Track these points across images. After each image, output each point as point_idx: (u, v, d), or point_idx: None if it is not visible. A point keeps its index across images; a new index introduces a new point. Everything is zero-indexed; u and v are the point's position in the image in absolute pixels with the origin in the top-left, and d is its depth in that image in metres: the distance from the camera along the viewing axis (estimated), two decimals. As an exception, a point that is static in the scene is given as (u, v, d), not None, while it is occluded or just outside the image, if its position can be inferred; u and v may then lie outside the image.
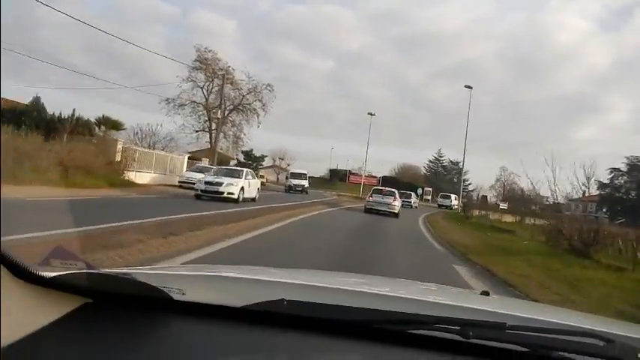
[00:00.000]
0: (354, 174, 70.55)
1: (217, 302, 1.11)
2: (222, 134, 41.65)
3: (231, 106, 41.79)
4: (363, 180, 59.58)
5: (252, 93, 41.67)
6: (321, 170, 74.60)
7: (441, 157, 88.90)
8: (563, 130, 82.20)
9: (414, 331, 1.05)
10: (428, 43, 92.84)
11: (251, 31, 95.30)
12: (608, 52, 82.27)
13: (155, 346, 0.99)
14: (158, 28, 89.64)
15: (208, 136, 41.05)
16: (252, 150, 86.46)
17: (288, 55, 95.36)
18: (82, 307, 1.02)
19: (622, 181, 61.34)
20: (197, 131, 40.77)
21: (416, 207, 42.72)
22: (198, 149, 42.46)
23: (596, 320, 1.64)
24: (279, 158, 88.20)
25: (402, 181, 69.37)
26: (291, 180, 42.06)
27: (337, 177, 73.30)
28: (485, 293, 1.71)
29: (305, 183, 40.87)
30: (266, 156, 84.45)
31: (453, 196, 51.90)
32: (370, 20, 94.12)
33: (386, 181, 69.26)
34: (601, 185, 58.15)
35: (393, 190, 26.01)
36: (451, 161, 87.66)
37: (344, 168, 75.82)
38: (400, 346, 1.03)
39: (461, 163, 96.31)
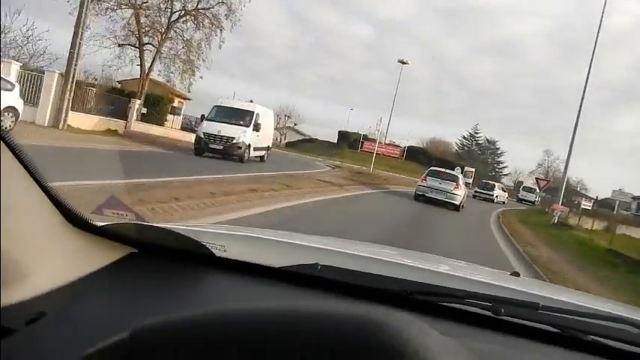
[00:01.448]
0: (370, 139, 54.33)
1: (256, 261, 1.14)
2: (166, 56, 26.83)
3: (181, 11, 26.43)
4: (377, 148, 43.35)
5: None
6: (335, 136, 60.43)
7: (476, 133, 79.29)
8: (602, 120, 78.17)
9: (445, 304, 1.06)
10: (472, 17, 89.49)
11: None
12: None
13: (196, 297, 1.02)
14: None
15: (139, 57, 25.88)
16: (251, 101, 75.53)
17: (325, 18, 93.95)
18: (128, 256, 1.05)
19: None
20: (120, 45, 25.57)
21: (503, 202, 33.45)
22: (131, 78, 27.71)
23: (631, 309, 1.57)
24: (285, 116, 74.18)
25: (432, 156, 53.88)
26: (206, 125, 18.32)
27: (347, 142, 56.40)
28: (516, 274, 1.78)
29: (244, 135, 17.79)
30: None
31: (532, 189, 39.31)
32: None
33: (412, 152, 54.28)
34: None
35: (456, 173, 19.45)
36: (488, 140, 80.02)
37: (360, 132, 59.01)
38: (430, 316, 1.03)
39: (498, 142, 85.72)
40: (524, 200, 38.63)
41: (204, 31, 27.04)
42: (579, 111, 17.35)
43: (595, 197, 70.90)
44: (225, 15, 26.53)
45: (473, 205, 23.15)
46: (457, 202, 16.89)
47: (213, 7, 26.78)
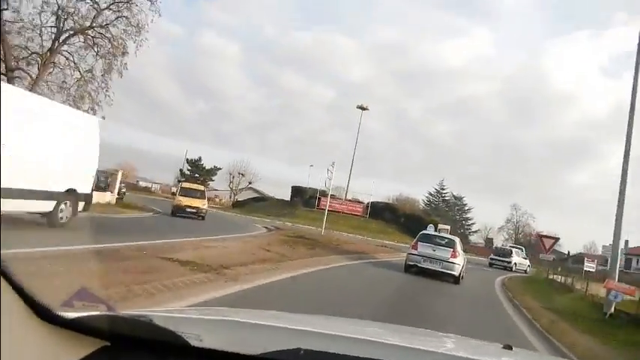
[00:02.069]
0: (330, 196, 47.89)
1: (234, 349, 1.10)
2: (50, 88, 20.19)
3: (69, 30, 20.10)
4: (336, 205, 36.81)
5: (117, 5, 20.14)
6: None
7: (442, 189, 76.77)
8: (557, 175, 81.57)
9: None
10: (428, 79, 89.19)
11: (255, 55, 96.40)
12: (606, 99, 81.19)
13: None
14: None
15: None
16: (200, 159, 69.70)
17: (291, 82, 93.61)
18: (100, 351, 1.01)
19: None
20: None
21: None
22: None
23: None
24: (239, 173, 68.07)
25: (400, 212, 47.88)
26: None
27: (302, 199, 49.46)
28: (508, 347, 1.68)
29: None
30: (219, 169, 66.11)
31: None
32: (373, 52, 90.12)
33: (377, 209, 48.15)
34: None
35: (452, 237, 16.10)
36: (454, 196, 77.41)
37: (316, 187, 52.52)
38: None
39: (465, 198, 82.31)
40: (497, 265, 30.51)
41: (105, 55, 20.74)
42: (624, 172, 11.35)
43: (567, 252, 69.62)
44: (129, 33, 20.42)
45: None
46: (456, 273, 14.30)
47: (113, 24, 20.64)
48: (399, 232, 44.29)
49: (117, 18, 20.74)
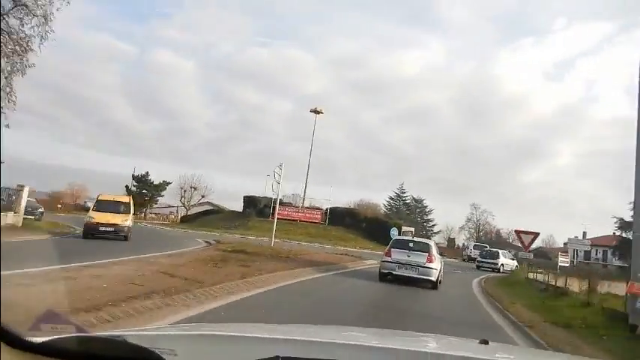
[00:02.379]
0: (285, 204, 44.48)
1: None
2: None
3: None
4: (293, 214, 33.49)
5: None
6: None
7: (403, 193, 75.64)
8: (511, 174, 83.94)
9: None
10: (385, 88, 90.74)
11: (211, 71, 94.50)
12: (552, 101, 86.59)
13: None
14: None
15: None
16: (147, 174, 64.86)
17: (249, 96, 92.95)
18: None
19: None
20: None
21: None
22: None
23: None
24: (191, 187, 63.80)
25: (361, 217, 45.09)
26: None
27: (255, 209, 45.57)
28: (484, 342, 1.66)
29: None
30: (169, 183, 61.71)
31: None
32: (330, 64, 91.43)
33: (337, 215, 45.12)
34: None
35: (427, 241, 15.69)
36: (414, 199, 76.29)
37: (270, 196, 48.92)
38: None
39: (425, 201, 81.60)
40: (484, 268, 29.33)
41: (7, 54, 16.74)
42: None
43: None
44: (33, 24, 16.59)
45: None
46: (434, 278, 13.80)
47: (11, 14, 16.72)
48: (361, 238, 41.57)
49: (15, 7, 16.94)
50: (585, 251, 63.36)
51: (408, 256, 13.83)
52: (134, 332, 1.25)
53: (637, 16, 74.28)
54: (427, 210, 76.92)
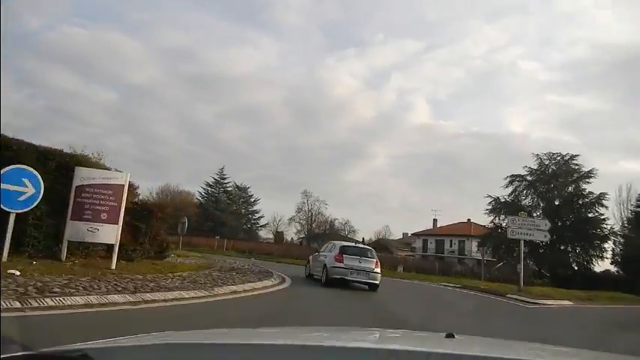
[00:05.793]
0: None
1: None
2: None
3: None
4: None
5: None
6: None
7: (223, 179, 64.70)
8: (336, 173, 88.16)
9: None
10: (218, 84, 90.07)
11: (16, 50, 70.99)
12: (371, 107, 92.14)
13: None
14: None
15: None
16: None
17: (62, 81, 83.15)
18: None
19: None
20: None
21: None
22: None
23: (558, 353, 1.67)
24: None
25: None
26: None
27: None
28: (450, 335, 1.59)
29: None
30: None
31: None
32: (160, 55, 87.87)
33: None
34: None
35: (369, 247, 18.42)
36: (237, 186, 65.86)
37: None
38: None
39: (250, 189, 71.77)
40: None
41: None
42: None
43: (362, 239, 65.44)
44: None
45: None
46: (378, 282, 15.11)
47: None
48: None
49: None
50: (437, 241, 60.53)
51: (360, 262, 14.93)
52: (83, 346, 1.11)
53: (439, 39, 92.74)
54: (252, 200, 66.45)
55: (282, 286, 12.91)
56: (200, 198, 63.91)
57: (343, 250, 15.24)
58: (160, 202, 36.14)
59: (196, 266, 14.69)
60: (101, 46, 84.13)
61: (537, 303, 15.99)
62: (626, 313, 18.35)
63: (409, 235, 65.83)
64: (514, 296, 17.30)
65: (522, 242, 22.61)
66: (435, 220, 62.19)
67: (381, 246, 52.41)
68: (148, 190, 63.99)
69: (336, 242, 17.61)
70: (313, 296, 11.83)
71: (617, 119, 79.84)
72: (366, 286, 14.82)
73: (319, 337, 1.73)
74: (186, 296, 8.15)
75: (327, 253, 15.85)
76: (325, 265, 15.13)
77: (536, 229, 21.35)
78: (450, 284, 22.64)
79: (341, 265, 14.62)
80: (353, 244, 18.00)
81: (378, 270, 15.02)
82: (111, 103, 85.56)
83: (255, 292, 10.36)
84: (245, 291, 10.13)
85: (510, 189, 40.85)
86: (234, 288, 9.96)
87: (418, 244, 61.71)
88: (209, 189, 63.88)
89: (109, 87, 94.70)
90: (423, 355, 1.24)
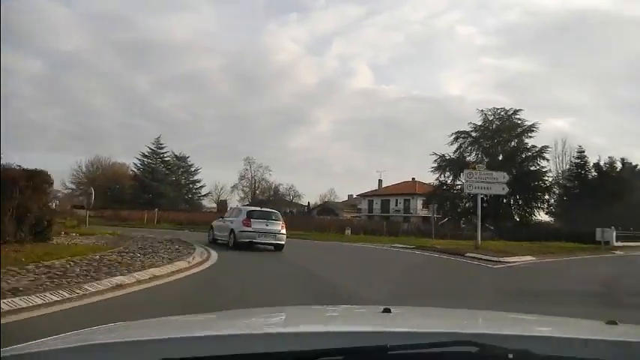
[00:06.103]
0: None
1: None
2: None
3: None
4: None
5: None
6: None
7: (160, 149, 61.08)
8: (280, 140, 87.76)
9: None
10: (154, 52, 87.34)
11: None
12: (314, 73, 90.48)
13: None
14: None
15: None
16: None
17: None
18: None
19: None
20: None
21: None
22: None
23: (486, 321, 1.62)
24: None
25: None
26: None
27: None
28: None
29: None
30: None
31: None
32: (89, 21, 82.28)
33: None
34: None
35: (275, 210, 18.08)
36: (176, 155, 62.39)
37: None
38: None
39: (190, 158, 68.35)
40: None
41: None
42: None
43: (307, 203, 64.86)
44: None
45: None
46: (284, 242, 16.00)
47: None
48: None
49: None
50: (382, 201, 60.27)
51: (267, 225, 15.69)
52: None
53: (379, 4, 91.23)
54: (192, 170, 63.13)
55: (199, 269, 10.17)
56: (135, 169, 59.94)
57: (250, 215, 16.03)
58: (29, 170, 32.78)
59: (91, 248, 11.59)
60: (19, 9, 76.55)
61: (500, 261, 15.36)
62: (598, 263, 18.06)
63: (354, 196, 65.57)
64: (473, 254, 16.64)
65: (479, 197, 22.06)
66: (380, 181, 62.15)
67: (327, 209, 51.76)
68: (76, 163, 59.39)
69: (242, 207, 19.29)
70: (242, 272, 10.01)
71: (547, 81, 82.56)
72: (272, 247, 15.62)
73: (245, 325, 1.61)
74: (25, 305, 5.28)
75: (234, 219, 16.27)
76: (232, 230, 15.66)
77: (495, 182, 20.77)
78: (403, 245, 21.89)
79: (249, 229, 15.40)
80: (259, 208, 18.32)
81: (284, 232, 15.96)
82: (35, 72, 79.10)
83: (152, 284, 7.42)
84: (139, 282, 7.47)
85: (455, 146, 41.01)
86: (120, 280, 7.21)
87: (364, 205, 61.71)
88: (145, 160, 59.96)
89: (32, 55, 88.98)
90: (342, 335, 1.23)
